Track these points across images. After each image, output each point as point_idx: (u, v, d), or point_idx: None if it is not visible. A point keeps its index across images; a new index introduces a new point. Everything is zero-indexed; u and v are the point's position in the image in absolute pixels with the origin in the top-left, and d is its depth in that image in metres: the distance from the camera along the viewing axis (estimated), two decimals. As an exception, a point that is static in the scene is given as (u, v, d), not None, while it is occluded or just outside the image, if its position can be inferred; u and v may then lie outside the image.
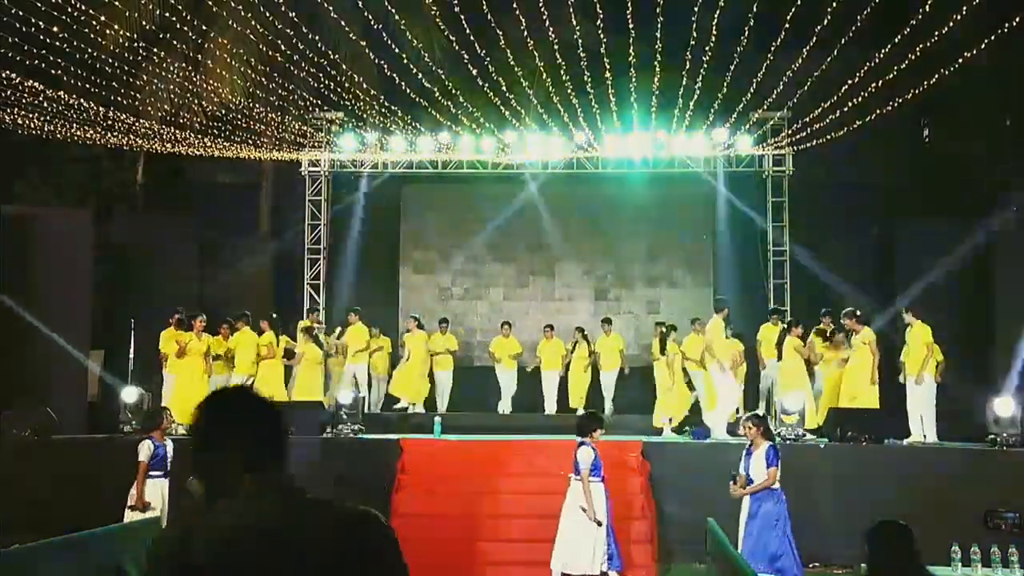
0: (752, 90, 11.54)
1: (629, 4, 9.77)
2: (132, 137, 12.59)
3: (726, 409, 11.42)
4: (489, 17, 10.21)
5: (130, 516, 7.98)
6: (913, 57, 9.61)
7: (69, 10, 9.45)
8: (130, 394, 11.06)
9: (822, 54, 10.31)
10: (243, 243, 15.61)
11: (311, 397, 11.91)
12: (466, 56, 11.21)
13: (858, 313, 11.14)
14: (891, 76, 10.25)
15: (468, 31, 10.47)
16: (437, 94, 12.32)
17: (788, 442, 10.19)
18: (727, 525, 7.41)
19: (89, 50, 10.45)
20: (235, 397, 2.24)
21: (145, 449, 8.09)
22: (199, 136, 13.26)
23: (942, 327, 11.06)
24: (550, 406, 13.91)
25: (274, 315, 12.59)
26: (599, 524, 7.88)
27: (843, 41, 9.86)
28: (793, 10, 9.24)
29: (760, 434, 7.52)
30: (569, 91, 11.91)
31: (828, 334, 11.62)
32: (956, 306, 12.64)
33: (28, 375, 11.47)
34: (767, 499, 7.34)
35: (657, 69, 10.83)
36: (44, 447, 10.25)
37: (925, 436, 10.66)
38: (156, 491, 8.09)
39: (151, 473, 8.08)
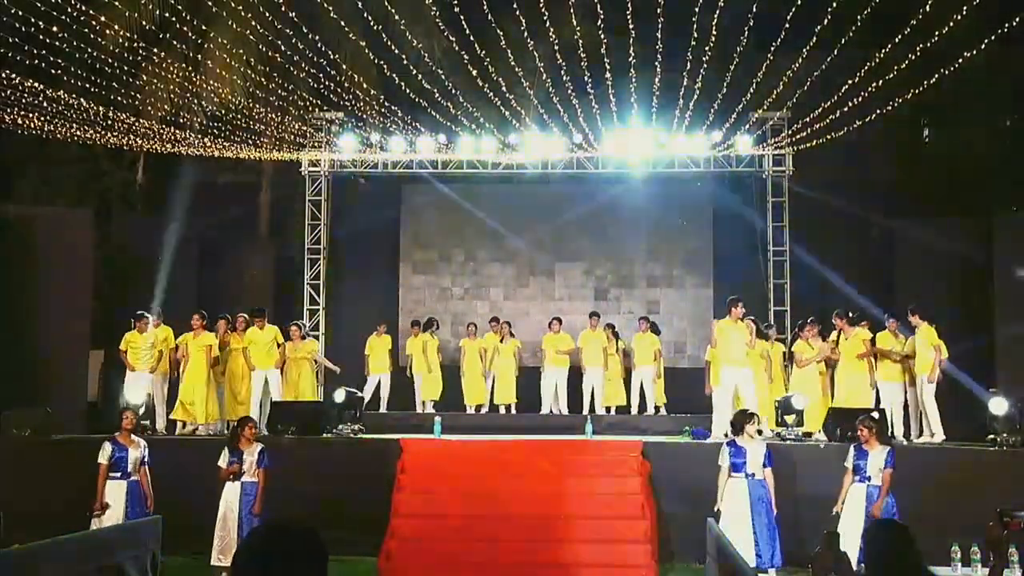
0: (752, 90, 11.54)
1: (629, 4, 9.77)
2: (132, 137, 12.58)
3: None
4: (489, 17, 10.20)
5: (95, 523, 8.03)
6: (913, 57, 9.61)
7: (69, 10, 9.44)
8: (137, 393, 11.00)
9: (822, 54, 10.31)
10: (243, 243, 15.62)
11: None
12: (466, 56, 11.21)
13: (850, 314, 11.13)
14: (891, 76, 10.25)
15: (468, 31, 10.47)
16: (437, 94, 12.32)
17: (788, 442, 10.19)
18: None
19: (89, 50, 10.45)
20: (282, 540, 2.11)
21: (104, 451, 8.21)
22: (199, 136, 13.26)
23: (942, 327, 11.06)
24: (551, 404, 13.83)
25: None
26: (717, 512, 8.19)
27: (843, 41, 9.86)
28: (793, 10, 9.24)
29: (874, 436, 8.07)
30: (569, 91, 11.91)
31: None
32: (956, 306, 12.62)
33: (28, 375, 11.46)
34: (889, 498, 7.93)
35: (657, 69, 10.83)
36: (44, 447, 10.24)
37: (933, 435, 10.65)
38: (114, 493, 8.17)
39: (111, 475, 8.18)
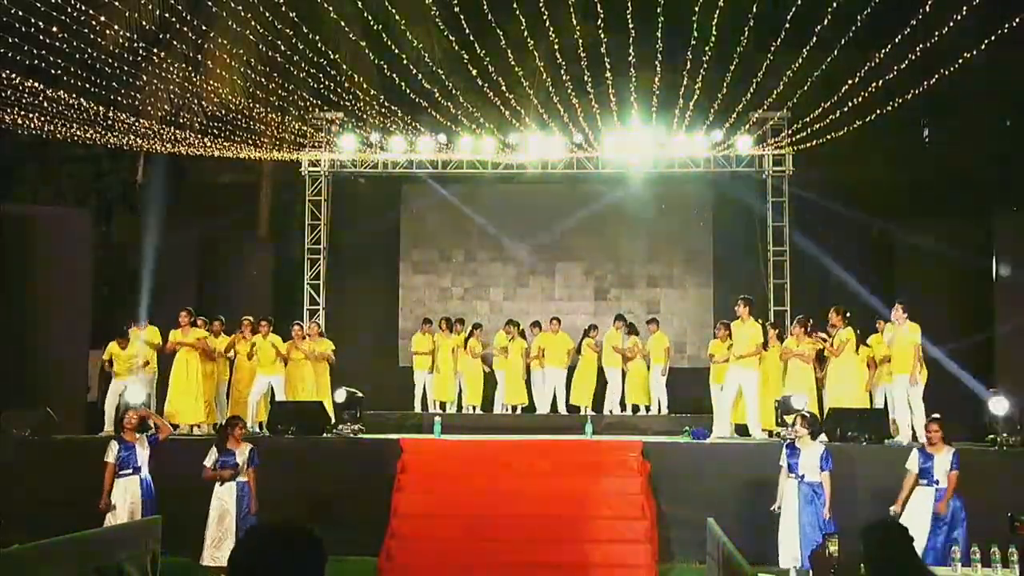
0: (752, 90, 11.54)
1: (629, 4, 9.77)
2: (132, 137, 12.58)
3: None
4: (489, 17, 10.20)
5: (109, 519, 8.07)
6: (913, 57, 9.61)
7: (69, 10, 9.44)
8: (136, 394, 10.97)
9: (822, 54, 10.31)
10: (243, 243, 15.62)
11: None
12: (466, 56, 11.21)
13: (847, 313, 11.11)
14: (891, 76, 10.24)
15: (468, 31, 10.46)
16: (437, 94, 12.32)
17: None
18: (727, 525, 7.42)
19: (89, 50, 10.44)
20: (280, 539, 2.12)
21: (111, 450, 8.22)
22: (199, 136, 13.26)
23: (942, 327, 11.05)
24: (552, 404, 13.81)
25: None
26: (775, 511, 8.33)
27: (843, 41, 9.86)
28: (793, 10, 9.24)
29: (941, 438, 8.07)
30: (569, 91, 11.91)
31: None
32: (956, 306, 12.62)
33: (28, 375, 11.46)
34: (955, 499, 7.94)
35: (657, 69, 10.82)
36: (44, 447, 10.24)
37: (915, 435, 10.65)
38: (124, 490, 8.18)
39: (120, 472, 8.20)
